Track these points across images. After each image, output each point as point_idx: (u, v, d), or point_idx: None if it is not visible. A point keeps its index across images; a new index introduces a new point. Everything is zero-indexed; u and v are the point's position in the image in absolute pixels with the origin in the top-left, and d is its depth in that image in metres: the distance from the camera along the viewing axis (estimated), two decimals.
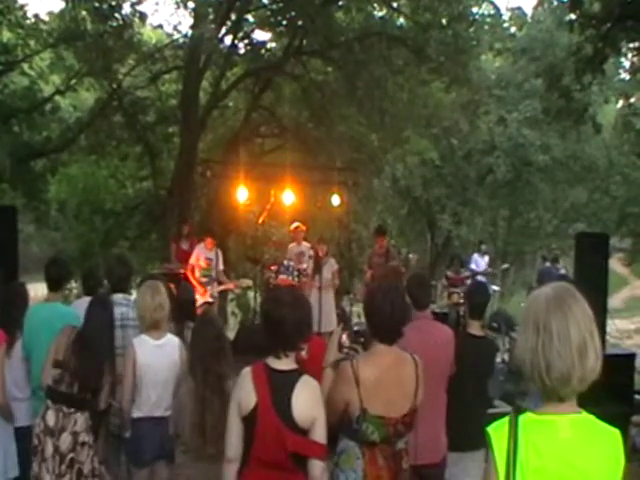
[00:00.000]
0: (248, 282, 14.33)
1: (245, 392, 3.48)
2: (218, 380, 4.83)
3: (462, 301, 12.47)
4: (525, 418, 2.14)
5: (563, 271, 16.04)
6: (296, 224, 12.79)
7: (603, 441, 2.16)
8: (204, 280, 11.46)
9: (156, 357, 5.16)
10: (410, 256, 13.12)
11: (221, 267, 11.99)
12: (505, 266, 21.61)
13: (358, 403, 3.80)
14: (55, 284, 5.85)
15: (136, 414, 5.16)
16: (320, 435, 3.49)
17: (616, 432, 2.20)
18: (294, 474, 3.49)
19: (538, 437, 2.11)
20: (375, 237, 13.24)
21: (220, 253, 12.00)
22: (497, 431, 2.16)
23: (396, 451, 3.94)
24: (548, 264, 17.58)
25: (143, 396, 5.17)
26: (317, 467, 3.47)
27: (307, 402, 3.46)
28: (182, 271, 11.69)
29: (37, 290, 7.79)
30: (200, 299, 11.06)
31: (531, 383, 2.18)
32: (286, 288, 4.43)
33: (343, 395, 3.83)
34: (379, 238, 12.82)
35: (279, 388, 3.46)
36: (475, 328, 5.61)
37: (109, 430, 5.43)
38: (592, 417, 2.18)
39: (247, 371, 3.56)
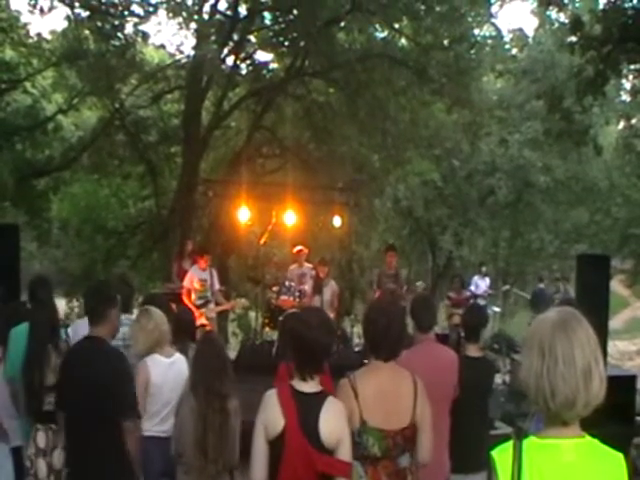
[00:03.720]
0: (243, 303, 14.30)
1: (272, 414, 3.48)
2: (220, 399, 4.80)
3: None
4: (529, 442, 2.13)
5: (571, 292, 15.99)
6: (299, 247, 12.77)
7: (607, 465, 2.14)
8: (199, 302, 11.18)
9: (169, 375, 5.23)
10: (418, 284, 12.97)
11: (217, 287, 11.66)
12: (506, 287, 21.60)
13: (358, 415, 3.82)
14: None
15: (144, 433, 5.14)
16: (346, 454, 3.53)
17: (620, 456, 2.19)
18: None
19: (542, 461, 2.10)
20: (384, 254, 13.03)
21: (215, 272, 11.76)
22: (501, 455, 2.15)
23: (399, 469, 3.92)
24: (542, 285, 17.59)
25: (152, 414, 5.20)
26: None
27: (334, 423, 3.50)
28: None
29: None
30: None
31: (534, 406, 2.17)
32: (312, 310, 4.47)
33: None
34: (389, 255, 12.62)
35: (306, 410, 3.48)
36: (472, 351, 5.61)
37: None
38: (596, 441, 2.17)
39: (272, 393, 3.56)
